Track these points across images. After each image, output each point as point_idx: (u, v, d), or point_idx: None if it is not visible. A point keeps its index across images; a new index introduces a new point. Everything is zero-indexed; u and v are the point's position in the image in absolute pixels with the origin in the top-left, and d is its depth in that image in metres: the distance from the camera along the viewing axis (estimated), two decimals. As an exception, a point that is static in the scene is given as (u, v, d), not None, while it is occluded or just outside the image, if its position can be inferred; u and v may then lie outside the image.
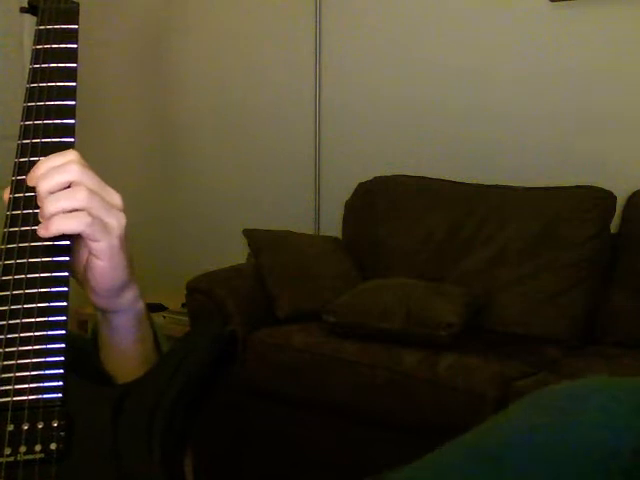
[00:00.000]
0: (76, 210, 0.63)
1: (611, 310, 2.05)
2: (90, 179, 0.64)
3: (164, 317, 2.71)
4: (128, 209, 0.68)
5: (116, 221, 0.65)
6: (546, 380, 1.73)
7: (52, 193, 0.63)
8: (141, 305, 0.72)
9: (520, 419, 0.74)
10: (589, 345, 2.02)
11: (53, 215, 0.63)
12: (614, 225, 2.15)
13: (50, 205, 0.63)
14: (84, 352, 0.76)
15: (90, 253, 0.66)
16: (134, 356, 0.73)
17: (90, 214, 0.63)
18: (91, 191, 0.64)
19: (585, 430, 0.68)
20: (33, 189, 0.66)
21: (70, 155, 0.65)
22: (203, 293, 2.16)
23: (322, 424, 1.98)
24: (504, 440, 0.73)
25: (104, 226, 0.64)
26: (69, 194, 0.63)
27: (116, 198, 0.66)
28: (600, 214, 2.12)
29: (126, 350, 0.73)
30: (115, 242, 0.65)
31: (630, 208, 2.12)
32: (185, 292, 2.21)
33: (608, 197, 2.13)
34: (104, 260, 0.65)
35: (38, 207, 0.65)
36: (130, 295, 0.70)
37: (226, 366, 0.73)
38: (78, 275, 0.69)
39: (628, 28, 2.26)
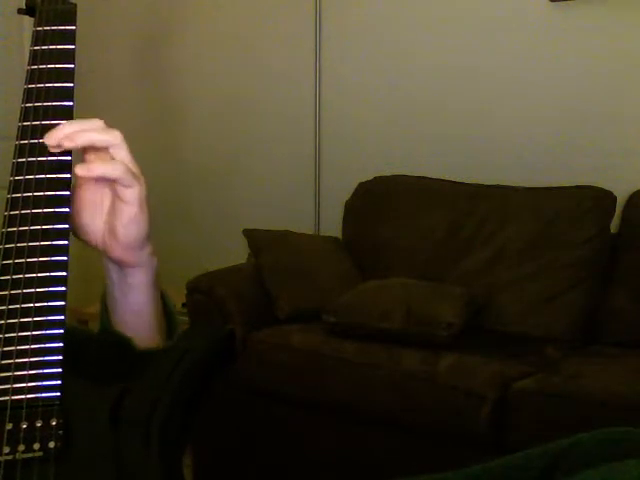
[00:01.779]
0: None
1: (611, 310, 2.05)
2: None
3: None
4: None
5: (139, 172, 0.70)
6: (546, 380, 1.73)
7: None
8: (156, 262, 0.75)
9: None
10: (589, 345, 2.02)
11: (83, 130, 0.67)
12: (614, 225, 2.15)
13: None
14: (85, 346, 0.77)
15: (122, 201, 0.69)
16: (148, 316, 0.75)
17: (125, 164, 0.68)
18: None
19: None
20: (32, 189, 0.67)
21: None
22: (203, 293, 2.16)
23: (322, 424, 1.98)
24: None
25: (134, 174, 0.69)
26: (104, 130, 0.68)
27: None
28: (600, 214, 2.12)
29: (141, 310, 0.75)
30: (144, 190, 0.69)
31: (630, 208, 2.12)
32: (185, 292, 2.22)
33: (608, 197, 2.13)
34: (135, 206, 0.69)
35: (36, 207, 0.66)
36: (149, 249, 0.73)
37: (224, 365, 0.73)
38: (98, 237, 0.72)
39: (628, 28, 2.26)
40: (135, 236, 0.70)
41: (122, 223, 0.69)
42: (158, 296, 0.77)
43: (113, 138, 0.68)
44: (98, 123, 0.68)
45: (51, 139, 0.66)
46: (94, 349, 0.80)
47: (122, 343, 0.74)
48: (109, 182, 0.69)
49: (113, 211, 0.70)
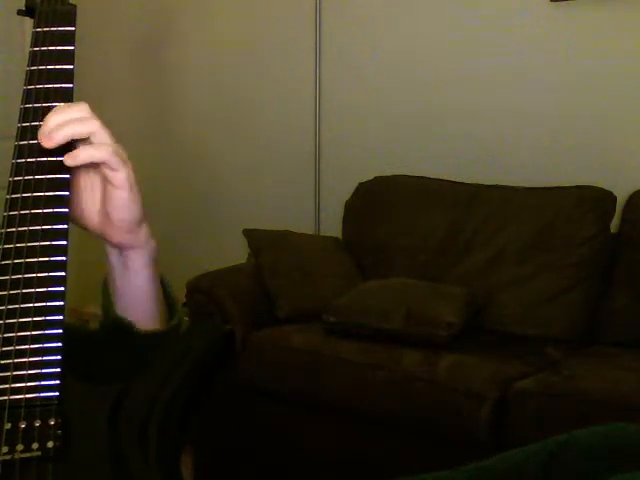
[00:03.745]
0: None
1: (611, 310, 2.05)
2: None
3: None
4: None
5: (125, 155, 0.71)
6: (546, 380, 1.73)
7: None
8: (153, 243, 0.76)
9: None
10: (589, 345, 2.02)
11: (60, 125, 0.67)
12: (614, 225, 2.15)
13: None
14: (85, 343, 0.78)
15: (111, 185, 0.70)
16: (148, 298, 0.76)
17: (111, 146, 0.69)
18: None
19: None
20: (30, 190, 0.67)
21: (84, 107, 0.70)
22: (203, 293, 2.16)
23: (322, 424, 1.98)
24: None
25: (121, 156, 0.70)
26: (81, 120, 0.69)
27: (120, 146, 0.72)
28: (600, 214, 2.12)
29: (141, 293, 0.75)
30: (132, 173, 0.70)
31: (630, 208, 2.12)
32: (185, 292, 2.22)
33: (608, 197, 2.13)
34: (125, 190, 0.70)
35: (35, 207, 0.66)
36: (145, 231, 0.74)
37: (224, 364, 0.73)
38: (95, 223, 0.73)
39: (628, 28, 2.26)
40: (129, 219, 0.71)
41: (115, 207, 0.71)
42: (157, 279, 0.78)
43: (91, 127, 0.69)
44: (78, 113, 0.69)
45: (39, 136, 0.68)
46: (94, 346, 0.81)
47: (123, 328, 0.75)
48: (98, 167, 0.70)
49: (105, 196, 0.71)
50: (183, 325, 0.80)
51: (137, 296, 0.75)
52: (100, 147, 0.69)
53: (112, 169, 0.69)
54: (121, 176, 0.69)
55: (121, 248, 0.74)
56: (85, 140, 0.69)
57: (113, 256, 0.75)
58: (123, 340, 0.76)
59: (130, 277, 0.75)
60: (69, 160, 0.68)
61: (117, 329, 0.76)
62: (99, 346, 0.80)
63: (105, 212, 0.72)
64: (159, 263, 0.77)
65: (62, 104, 0.71)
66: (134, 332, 0.75)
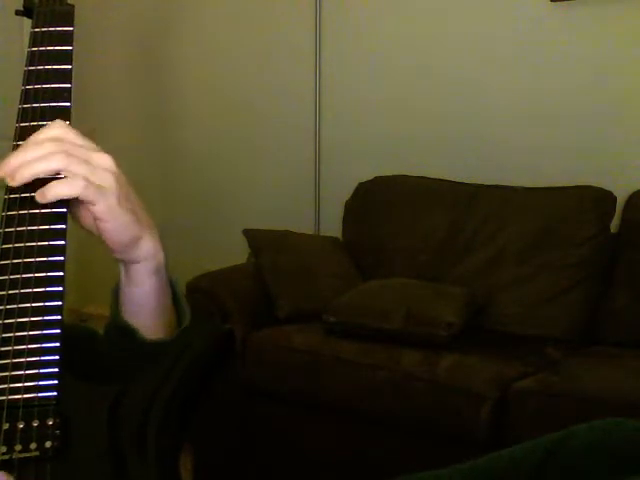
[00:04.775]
0: (58, 176, 0.65)
1: (611, 310, 2.05)
2: (71, 143, 0.66)
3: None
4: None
5: (108, 182, 0.66)
6: (546, 380, 1.73)
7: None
8: (161, 256, 0.73)
9: None
10: (589, 345, 2.02)
11: (24, 164, 0.64)
12: (614, 225, 2.15)
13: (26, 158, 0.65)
14: (82, 342, 0.78)
15: (94, 217, 0.67)
16: (153, 307, 0.74)
17: (85, 179, 0.65)
18: (70, 155, 0.65)
19: None
20: (30, 190, 0.67)
21: (52, 130, 0.66)
22: (203, 293, 2.16)
23: (322, 424, 1.98)
24: None
25: (98, 188, 0.65)
26: (46, 157, 0.64)
27: (105, 160, 0.67)
28: (600, 214, 2.12)
29: (145, 302, 0.74)
30: (113, 202, 0.66)
31: (630, 208, 2.12)
32: (185, 292, 2.22)
33: (608, 197, 2.13)
34: (107, 221, 0.67)
35: (33, 208, 0.66)
36: (147, 246, 0.71)
37: (223, 364, 0.73)
38: (98, 234, 0.71)
39: (628, 28, 2.26)
40: (119, 243, 0.69)
41: (103, 235, 0.68)
42: (165, 288, 0.76)
43: (57, 164, 0.65)
44: (44, 149, 0.65)
45: (0, 170, 0.65)
46: (96, 346, 0.81)
47: (127, 333, 0.74)
48: None
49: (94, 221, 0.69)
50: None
51: (142, 306, 0.74)
52: (71, 183, 0.64)
53: (88, 202, 0.66)
54: (99, 209, 0.66)
55: (124, 262, 0.73)
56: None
57: (120, 265, 0.74)
58: (126, 345, 0.75)
59: (134, 286, 0.74)
60: (38, 197, 0.65)
61: (121, 333, 0.75)
62: (101, 347, 0.80)
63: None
64: (169, 271, 0.76)
65: (36, 133, 0.67)
66: (137, 338, 0.74)
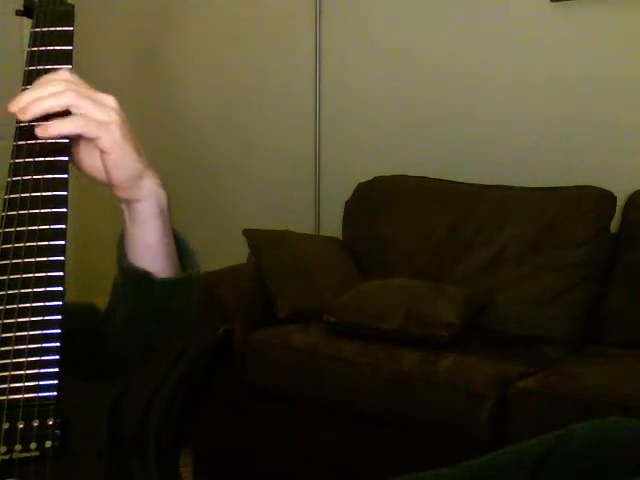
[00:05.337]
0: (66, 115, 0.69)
1: (611, 310, 2.05)
2: (78, 85, 0.70)
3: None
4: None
5: (109, 117, 0.70)
6: (546, 380, 1.73)
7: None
8: (162, 193, 0.76)
9: None
10: (589, 345, 2.02)
11: (36, 99, 0.68)
12: (614, 225, 2.15)
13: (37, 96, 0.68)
14: (82, 318, 0.79)
15: (100, 151, 0.70)
16: (158, 250, 0.76)
17: (83, 116, 0.69)
18: (78, 93, 0.69)
19: None
20: (29, 190, 0.67)
21: (59, 75, 0.71)
22: (203, 293, 2.16)
23: (322, 424, 1.98)
24: None
25: (99, 124, 0.69)
26: (57, 94, 0.68)
27: (109, 99, 0.72)
28: (600, 214, 2.12)
29: (151, 244, 0.76)
30: (117, 135, 0.70)
31: (630, 208, 2.12)
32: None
33: (608, 197, 2.13)
34: (113, 152, 0.70)
35: (33, 208, 0.66)
36: (149, 183, 0.74)
37: (220, 365, 0.73)
38: (102, 179, 0.74)
39: (629, 28, 2.26)
40: (124, 177, 0.72)
41: (109, 169, 0.71)
42: (169, 232, 0.78)
43: (65, 101, 0.68)
44: (54, 87, 0.69)
45: (13, 106, 0.68)
46: (96, 324, 0.82)
47: (138, 279, 0.75)
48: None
49: (101, 159, 0.72)
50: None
51: (148, 248, 0.76)
52: (72, 120, 0.68)
53: (91, 137, 0.69)
54: (103, 142, 0.69)
55: (127, 202, 0.74)
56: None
57: (124, 207, 0.76)
58: (137, 293, 0.76)
59: (139, 229, 0.75)
60: (39, 131, 0.68)
61: (131, 281, 0.76)
62: (102, 327, 0.80)
63: (106, 174, 0.73)
64: (173, 217, 0.78)
65: (45, 76, 0.71)
66: (149, 280, 0.75)
